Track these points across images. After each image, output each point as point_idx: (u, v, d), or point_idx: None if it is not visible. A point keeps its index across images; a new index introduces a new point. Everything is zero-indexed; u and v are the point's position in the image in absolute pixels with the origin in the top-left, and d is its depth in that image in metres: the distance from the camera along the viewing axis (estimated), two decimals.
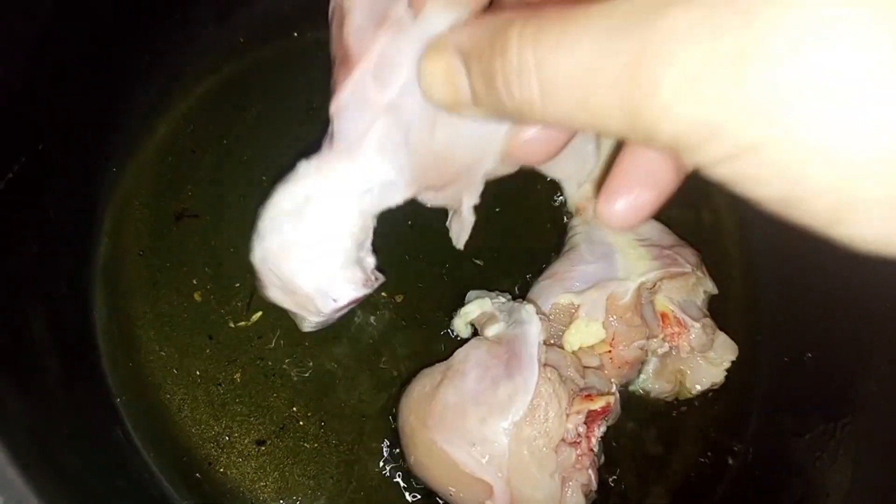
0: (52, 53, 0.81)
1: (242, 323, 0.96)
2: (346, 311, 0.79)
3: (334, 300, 0.75)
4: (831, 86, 0.31)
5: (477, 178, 0.74)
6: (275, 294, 0.78)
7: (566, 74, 0.40)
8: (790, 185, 0.36)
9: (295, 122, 1.05)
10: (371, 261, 0.76)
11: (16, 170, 0.75)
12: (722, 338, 0.99)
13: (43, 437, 0.67)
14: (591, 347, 0.91)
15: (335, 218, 0.74)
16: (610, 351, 0.91)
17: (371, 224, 0.75)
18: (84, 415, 0.83)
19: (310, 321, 0.80)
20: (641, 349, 0.92)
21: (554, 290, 0.95)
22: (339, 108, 0.73)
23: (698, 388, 0.99)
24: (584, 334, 0.91)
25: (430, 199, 0.77)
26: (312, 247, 0.74)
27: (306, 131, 1.04)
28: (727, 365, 0.99)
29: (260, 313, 0.96)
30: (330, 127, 0.75)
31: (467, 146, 0.71)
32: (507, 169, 0.73)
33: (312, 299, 0.75)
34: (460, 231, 0.78)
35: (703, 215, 1.12)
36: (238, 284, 0.97)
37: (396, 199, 0.74)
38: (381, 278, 0.75)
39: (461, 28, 0.57)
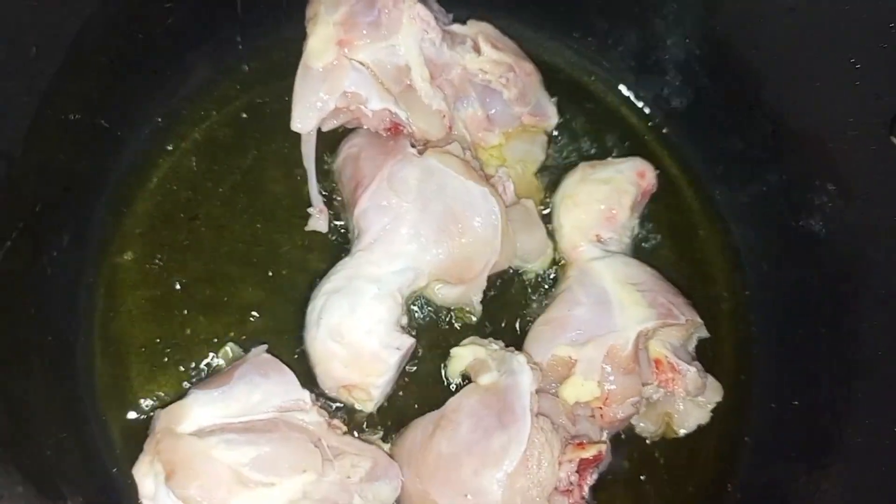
0: (50, 119, 0.82)
1: None
2: (398, 373, 0.96)
3: (397, 348, 0.92)
4: None
5: (482, 277, 0.98)
6: (338, 373, 0.92)
7: None
8: None
9: (291, 167, 1.06)
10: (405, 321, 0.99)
11: (14, 236, 0.76)
12: (709, 380, 1.01)
13: None
14: (586, 402, 0.93)
15: (379, 290, 0.93)
16: (602, 408, 0.93)
17: (403, 301, 0.96)
18: (78, 483, 0.83)
19: (372, 395, 0.93)
20: (634, 406, 0.94)
21: (553, 337, 0.98)
22: (362, 212, 0.97)
23: (684, 430, 1.01)
24: (579, 392, 0.93)
25: (443, 297, 1.01)
26: (369, 312, 0.92)
27: (301, 180, 1.05)
28: (713, 406, 1.01)
29: None
30: (355, 229, 0.98)
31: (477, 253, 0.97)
32: (502, 267, 1.00)
33: (378, 355, 0.92)
34: (473, 314, 1.04)
35: (694, 260, 1.15)
36: (232, 333, 0.98)
37: (420, 282, 0.97)
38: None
39: None
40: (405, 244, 0.96)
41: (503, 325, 1.05)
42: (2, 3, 0.71)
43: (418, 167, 0.98)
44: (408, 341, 0.94)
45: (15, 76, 0.75)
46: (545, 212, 1.10)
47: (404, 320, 0.98)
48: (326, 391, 0.95)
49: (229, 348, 0.98)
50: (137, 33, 0.96)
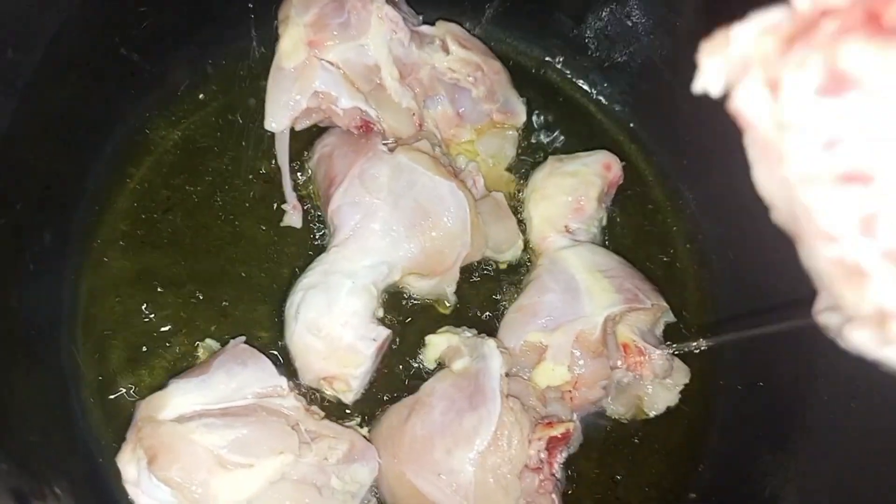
0: (29, 119, 0.85)
1: None
2: (376, 364, 0.98)
3: (374, 339, 0.95)
4: None
5: (455, 269, 1.02)
6: (317, 365, 0.94)
7: None
8: None
9: (266, 165, 1.09)
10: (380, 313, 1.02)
11: None
12: (676, 363, 1.04)
13: (25, 497, 0.71)
14: (557, 386, 0.96)
15: (354, 284, 0.96)
16: (572, 391, 0.96)
17: (378, 294, 0.99)
18: (63, 469, 0.85)
19: (352, 385, 0.95)
20: (603, 388, 0.97)
21: (524, 324, 1.00)
22: (336, 209, 1.00)
23: (654, 412, 1.04)
24: (551, 377, 0.96)
25: (418, 289, 1.04)
26: (344, 306, 0.95)
27: (275, 177, 1.08)
28: (680, 387, 1.04)
29: None
30: (331, 226, 1.01)
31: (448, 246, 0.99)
32: (474, 258, 1.04)
33: (355, 347, 0.94)
34: (447, 304, 1.07)
35: (661, 248, 1.18)
36: (212, 328, 1.01)
37: (394, 275, 1.00)
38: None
39: None
40: (378, 240, 0.99)
41: (477, 313, 1.08)
42: None
43: (388, 164, 1.00)
44: (384, 333, 0.96)
45: None
46: (516, 204, 1.13)
47: (380, 312, 1.01)
48: (307, 383, 0.97)
49: (209, 343, 1.00)
50: (114, 35, 0.98)
